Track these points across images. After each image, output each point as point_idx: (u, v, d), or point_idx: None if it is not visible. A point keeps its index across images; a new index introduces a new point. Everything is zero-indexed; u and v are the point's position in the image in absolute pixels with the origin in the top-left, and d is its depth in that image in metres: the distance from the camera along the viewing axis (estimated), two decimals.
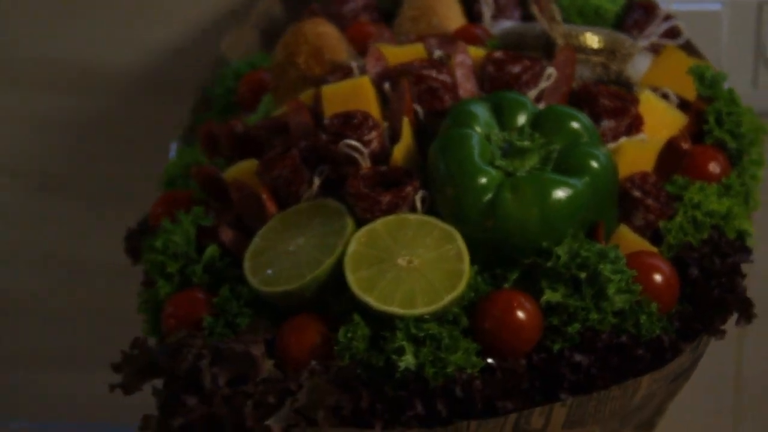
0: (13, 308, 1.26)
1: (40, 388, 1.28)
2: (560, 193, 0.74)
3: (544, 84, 0.83)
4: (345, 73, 0.87)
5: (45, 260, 1.24)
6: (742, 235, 0.81)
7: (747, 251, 0.79)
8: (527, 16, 0.98)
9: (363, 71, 0.86)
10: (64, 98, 1.19)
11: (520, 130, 0.78)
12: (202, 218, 0.82)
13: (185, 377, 0.71)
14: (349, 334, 0.72)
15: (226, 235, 0.80)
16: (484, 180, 0.75)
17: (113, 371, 0.76)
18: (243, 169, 0.84)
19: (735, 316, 0.77)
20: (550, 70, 0.84)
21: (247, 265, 0.77)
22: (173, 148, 0.98)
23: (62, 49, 1.18)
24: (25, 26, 1.18)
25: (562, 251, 0.74)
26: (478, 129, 0.77)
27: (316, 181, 0.79)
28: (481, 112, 0.78)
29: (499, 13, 0.98)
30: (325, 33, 0.91)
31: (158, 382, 0.76)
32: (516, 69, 0.83)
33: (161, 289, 0.80)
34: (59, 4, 1.16)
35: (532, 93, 0.83)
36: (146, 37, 1.17)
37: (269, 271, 0.76)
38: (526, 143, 0.77)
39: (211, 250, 0.79)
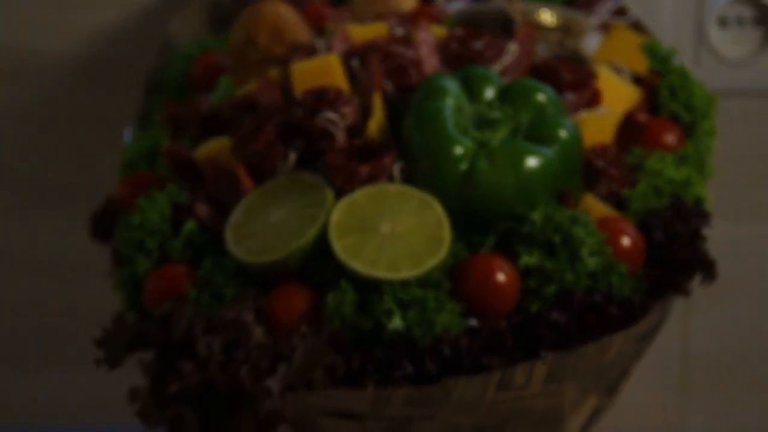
0: None
1: None
2: (533, 161, 0.82)
3: (506, 59, 0.90)
4: (309, 52, 0.92)
5: None
6: (699, 201, 0.89)
7: (706, 216, 0.87)
8: None
9: (329, 49, 0.91)
10: (4, 87, 1.22)
11: (490, 102, 0.85)
12: (176, 195, 0.87)
13: (179, 345, 0.76)
14: (338, 299, 0.78)
15: (202, 211, 0.86)
16: (460, 150, 0.82)
17: (95, 346, 0.81)
18: (212, 147, 0.89)
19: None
20: (512, 46, 0.91)
21: (229, 237, 0.83)
22: (128, 133, 1.03)
23: (3, 36, 1.21)
24: None
25: (537, 216, 0.81)
26: (450, 102, 0.84)
27: (292, 156, 0.85)
28: (452, 86, 0.85)
29: None
30: (284, 14, 0.97)
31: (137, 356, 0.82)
32: (479, 45, 0.90)
33: (140, 265, 0.85)
34: None
35: (496, 68, 0.90)
36: (84, 21, 1.20)
37: (253, 243, 0.82)
38: (497, 114, 0.84)
39: (190, 225, 0.85)
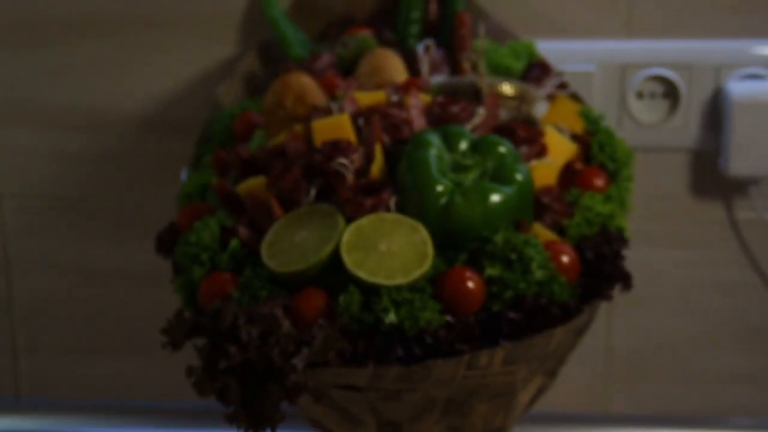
0: (40, 307, 1.29)
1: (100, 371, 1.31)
2: (496, 197, 0.84)
3: (476, 120, 0.92)
4: (326, 112, 0.93)
5: (62, 267, 1.27)
6: (620, 230, 0.91)
7: (625, 241, 0.89)
8: (454, 71, 1.06)
9: (341, 110, 0.93)
10: (85, 137, 1.22)
11: (464, 152, 0.87)
12: (224, 220, 0.89)
13: (226, 333, 0.78)
14: (347, 300, 0.80)
15: (244, 232, 0.87)
16: (440, 188, 0.84)
17: (162, 334, 0.81)
18: (250, 184, 0.91)
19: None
20: (481, 110, 0.93)
21: (264, 252, 0.84)
22: (184, 173, 1.04)
23: (85, 96, 1.21)
24: (53, 76, 1.21)
25: (498, 239, 0.83)
26: (433, 151, 0.86)
27: (313, 191, 0.87)
28: (434, 139, 0.87)
29: (433, 70, 1.05)
30: (306, 83, 0.98)
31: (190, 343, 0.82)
32: (455, 109, 0.92)
33: (195, 273, 0.86)
34: (80, 58, 1.20)
35: (468, 126, 0.91)
36: (151, 87, 1.20)
37: (282, 257, 0.83)
38: (469, 162, 0.87)
39: (234, 243, 0.87)
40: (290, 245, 0.84)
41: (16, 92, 1.22)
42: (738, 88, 1.14)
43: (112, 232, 1.25)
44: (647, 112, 1.18)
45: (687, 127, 1.18)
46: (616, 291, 0.86)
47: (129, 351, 1.29)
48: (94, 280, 1.27)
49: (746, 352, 1.25)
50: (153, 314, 1.21)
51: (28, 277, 1.28)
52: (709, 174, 1.20)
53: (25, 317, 1.30)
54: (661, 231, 1.22)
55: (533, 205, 0.89)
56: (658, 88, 1.18)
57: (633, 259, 1.14)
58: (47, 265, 1.27)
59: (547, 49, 1.12)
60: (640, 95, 1.18)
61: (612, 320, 1.25)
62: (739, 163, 1.15)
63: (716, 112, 1.18)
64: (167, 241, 0.95)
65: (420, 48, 1.07)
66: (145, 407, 1.30)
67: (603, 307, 1.23)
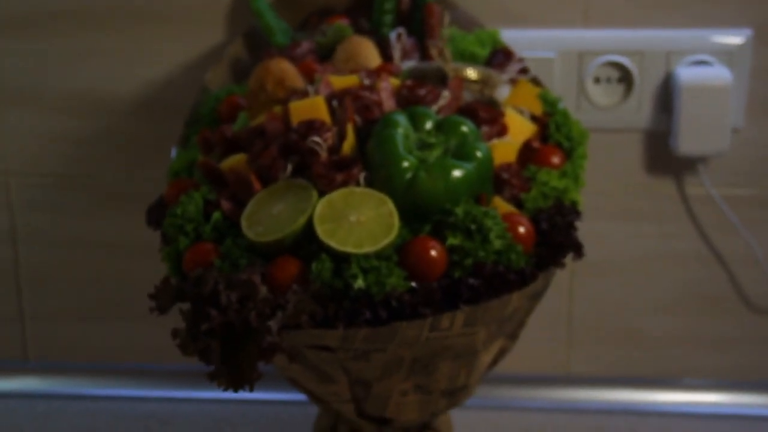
0: (43, 276, 1.30)
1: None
2: (457, 173, 0.84)
3: (441, 102, 0.92)
4: (303, 94, 0.93)
5: (64, 238, 1.27)
6: (574, 203, 0.91)
7: (578, 213, 0.89)
8: (424, 57, 1.06)
9: (317, 93, 0.93)
10: (85, 119, 1.22)
11: (428, 132, 0.87)
12: (208, 194, 0.89)
13: (207, 298, 0.78)
14: (319, 267, 0.80)
15: (226, 205, 0.87)
16: (406, 164, 0.84)
17: (149, 299, 0.81)
18: (233, 161, 0.91)
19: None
20: (446, 93, 0.92)
21: (243, 224, 0.84)
22: (174, 151, 1.03)
23: (84, 82, 1.21)
24: (55, 63, 1.21)
25: (459, 211, 0.83)
26: (400, 130, 0.86)
27: (289, 167, 0.87)
28: (402, 119, 0.87)
29: (404, 56, 1.05)
30: (286, 68, 0.98)
31: (176, 308, 0.82)
32: (422, 92, 0.92)
33: (181, 243, 0.86)
34: (80, 47, 1.20)
35: (434, 108, 0.91)
36: (145, 72, 1.20)
37: (260, 228, 0.83)
38: (433, 140, 0.86)
39: (216, 215, 0.86)
40: (268, 217, 0.84)
41: (22, 78, 1.22)
42: (686, 74, 1.14)
43: (108, 206, 1.25)
44: (603, 95, 1.18)
45: (640, 109, 1.18)
46: (570, 259, 0.86)
47: (125, 316, 1.29)
48: (92, 250, 1.27)
49: (694, 317, 1.26)
50: (145, 282, 1.21)
51: (33, 248, 1.28)
52: (661, 153, 1.20)
53: (30, 285, 1.30)
54: (617, 206, 1.23)
55: (493, 180, 0.89)
56: (614, 74, 1.18)
57: (591, 231, 1.15)
58: (50, 237, 1.27)
59: (511, 37, 1.12)
60: (596, 80, 1.18)
61: (573, 288, 1.25)
62: (688, 142, 1.16)
63: (667, 95, 1.17)
64: (156, 214, 0.94)
65: (393, 36, 1.07)
66: (139, 369, 1.30)
67: (565, 276, 1.24)
